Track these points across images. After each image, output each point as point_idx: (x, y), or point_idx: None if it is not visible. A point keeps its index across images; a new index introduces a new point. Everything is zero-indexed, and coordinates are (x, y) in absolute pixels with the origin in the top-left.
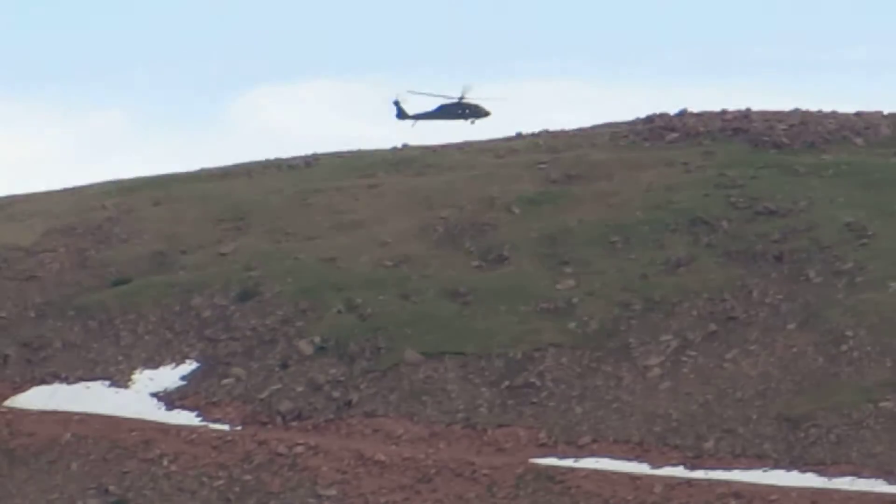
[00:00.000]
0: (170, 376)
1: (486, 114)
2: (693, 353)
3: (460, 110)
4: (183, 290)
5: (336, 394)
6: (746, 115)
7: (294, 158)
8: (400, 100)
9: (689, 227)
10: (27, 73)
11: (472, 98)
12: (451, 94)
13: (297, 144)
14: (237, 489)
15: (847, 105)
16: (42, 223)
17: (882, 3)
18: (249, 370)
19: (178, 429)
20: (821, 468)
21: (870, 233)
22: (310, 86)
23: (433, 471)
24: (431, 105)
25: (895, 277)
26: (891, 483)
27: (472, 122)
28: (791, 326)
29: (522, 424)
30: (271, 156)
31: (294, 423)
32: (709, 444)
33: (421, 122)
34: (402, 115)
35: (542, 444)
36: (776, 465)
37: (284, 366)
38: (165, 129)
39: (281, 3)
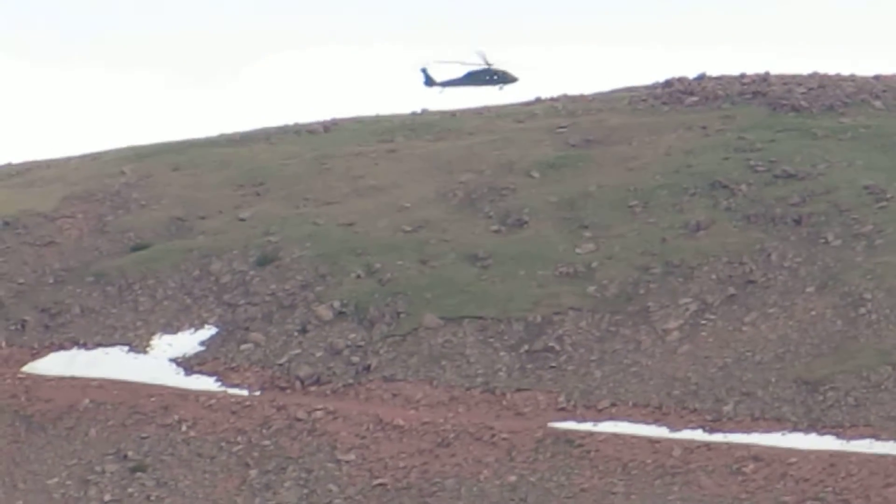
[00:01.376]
0: (188, 341)
1: (514, 80)
2: (712, 317)
3: (488, 76)
4: (201, 255)
5: (355, 358)
6: (765, 78)
7: (312, 123)
8: (427, 67)
9: (708, 191)
10: (42, 40)
11: (499, 64)
12: (477, 62)
13: (315, 109)
14: (256, 454)
15: (866, 68)
16: (60, 189)
17: None
18: (268, 335)
19: (197, 394)
20: (839, 431)
21: (889, 196)
22: (328, 51)
23: (452, 435)
24: (459, 72)
25: None
26: None
27: (501, 89)
28: (810, 290)
29: (541, 388)
30: (290, 121)
31: (313, 388)
32: (728, 408)
33: (449, 90)
34: (429, 82)
35: (561, 409)
36: (795, 428)
37: (303, 331)
38: (183, 95)
39: None
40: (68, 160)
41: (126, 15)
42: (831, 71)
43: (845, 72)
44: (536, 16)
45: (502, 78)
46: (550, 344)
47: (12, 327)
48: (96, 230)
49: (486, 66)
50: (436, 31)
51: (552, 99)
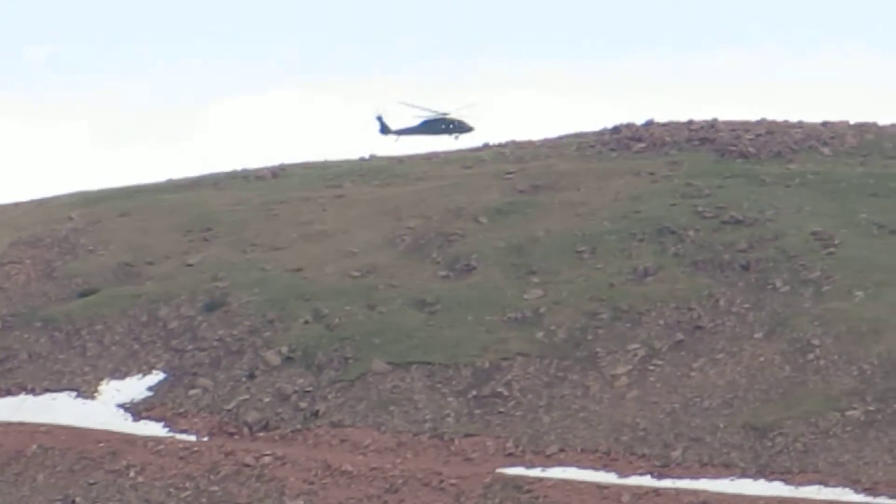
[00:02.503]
0: (136, 387)
1: (469, 129)
2: (660, 362)
3: (444, 125)
4: (149, 300)
5: (303, 404)
6: (713, 124)
7: (261, 169)
8: (382, 115)
9: (656, 237)
10: None
11: (455, 113)
12: (433, 110)
13: (264, 155)
14: (204, 500)
15: (813, 115)
16: (8, 234)
17: (849, 13)
18: (216, 381)
19: (145, 440)
20: (788, 477)
21: (836, 242)
22: (276, 96)
23: (400, 481)
24: (415, 120)
25: (861, 286)
26: (857, 492)
27: (457, 138)
28: (758, 335)
29: (490, 434)
30: (238, 167)
31: (261, 434)
32: (676, 453)
33: (404, 138)
34: (385, 130)
35: (510, 454)
36: (743, 474)
37: (251, 376)
38: (132, 141)
39: (246, 15)
40: (16, 206)
41: (77, 59)
42: (779, 117)
43: (793, 118)
44: (485, 61)
45: (458, 127)
46: (499, 389)
47: None
48: (44, 275)
49: (441, 115)
50: (385, 77)
51: (500, 145)
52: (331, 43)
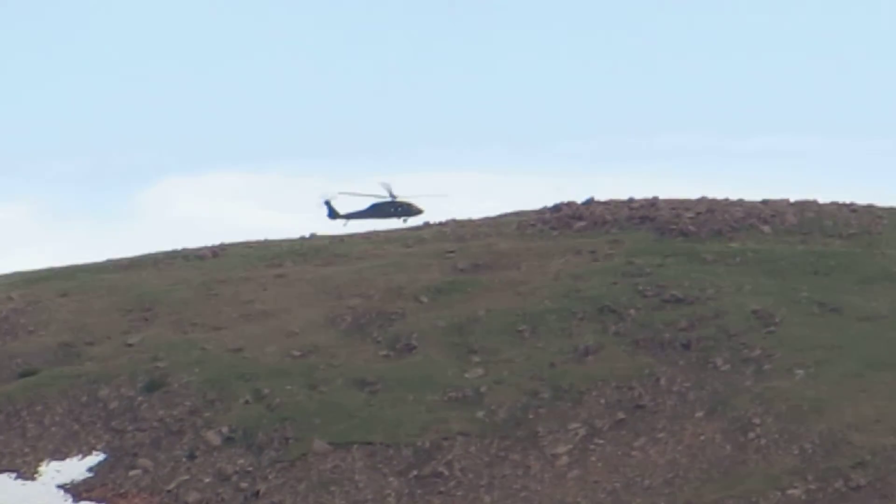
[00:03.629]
0: (77, 468)
1: (418, 211)
2: (601, 442)
3: (392, 208)
4: (90, 381)
5: (244, 484)
6: (653, 203)
7: (201, 249)
8: (330, 199)
9: (597, 316)
10: None
11: (403, 196)
12: (380, 194)
13: (204, 235)
14: None
15: (754, 193)
16: None
17: (785, 93)
18: (157, 461)
19: None
20: None
21: (777, 320)
22: (216, 177)
23: None
24: (363, 204)
25: (802, 365)
26: None
27: (405, 221)
28: (699, 414)
29: None
30: (178, 246)
31: None
32: None
33: (353, 222)
34: (333, 214)
35: None
36: None
37: (192, 456)
38: (71, 221)
39: (185, 96)
40: None
41: (14, 140)
42: (719, 196)
43: (733, 197)
44: (425, 142)
45: (406, 210)
46: (440, 469)
47: None
48: None
49: (390, 199)
50: (323, 160)
51: (441, 224)
52: (272, 126)
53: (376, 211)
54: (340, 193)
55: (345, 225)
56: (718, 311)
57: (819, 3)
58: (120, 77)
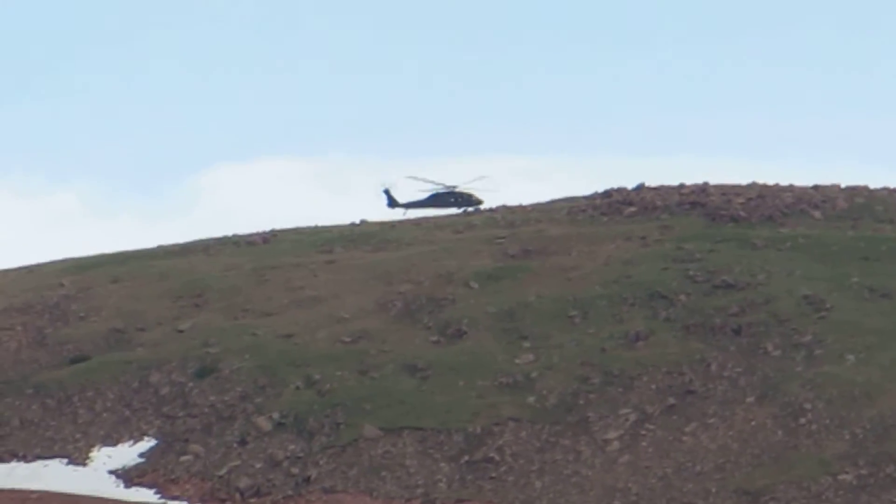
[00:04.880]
0: (128, 453)
1: (478, 202)
2: (652, 427)
3: (453, 199)
4: (141, 366)
5: (295, 470)
6: (704, 188)
7: (252, 235)
8: (390, 188)
9: (647, 301)
10: None
11: (463, 187)
12: (439, 183)
13: (255, 221)
14: None
15: (804, 178)
16: None
17: (836, 78)
18: (208, 447)
19: None
20: None
21: (828, 306)
22: (267, 163)
23: None
24: (423, 194)
25: (853, 350)
26: None
27: (465, 212)
28: (750, 400)
29: (482, 499)
30: (229, 232)
31: (253, 500)
32: None
33: (412, 211)
34: (392, 203)
35: None
36: None
37: (243, 442)
38: (123, 207)
39: (237, 82)
40: (6, 272)
41: (69, 127)
42: (770, 181)
43: (784, 182)
44: (477, 128)
45: (467, 201)
46: (490, 454)
47: None
48: (35, 342)
49: (450, 188)
50: (373, 142)
51: (491, 209)
52: (320, 113)
53: (436, 200)
54: (407, 178)
55: (404, 214)
56: (769, 296)
57: None
58: (171, 62)
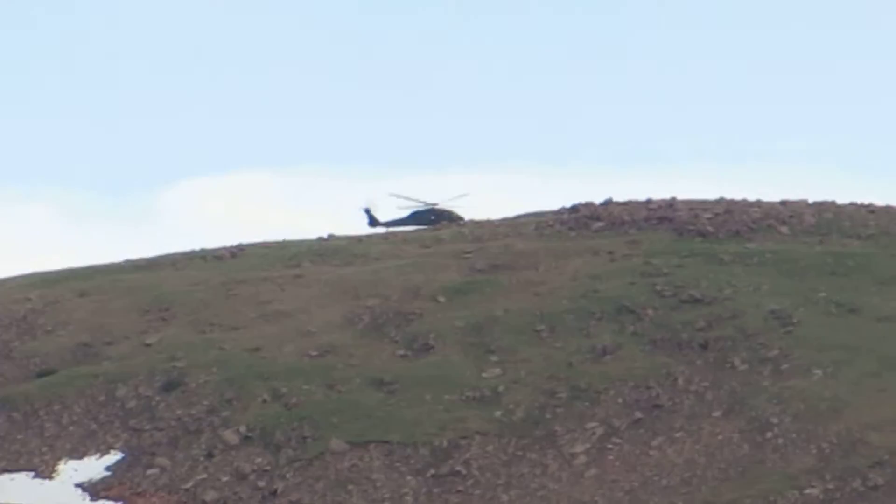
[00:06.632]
0: (95, 467)
1: (459, 218)
2: (619, 441)
3: (433, 216)
4: (108, 380)
5: (262, 483)
6: (671, 203)
7: (219, 249)
8: (370, 207)
9: (614, 316)
10: None
11: (444, 204)
12: (420, 201)
13: (222, 236)
14: None
15: (772, 194)
16: None
17: (803, 96)
18: (174, 460)
19: None
20: None
21: (794, 320)
22: (236, 177)
23: None
24: (404, 212)
25: (820, 365)
26: None
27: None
28: (716, 414)
29: None
30: (197, 247)
31: None
32: None
33: (393, 229)
34: (373, 222)
35: None
36: None
37: (210, 455)
38: (90, 222)
39: (204, 96)
40: None
41: (33, 142)
42: (737, 196)
43: (751, 197)
44: (446, 145)
45: (447, 217)
46: (457, 468)
47: None
48: (2, 356)
49: (431, 206)
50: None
51: (459, 224)
52: (288, 127)
53: (417, 218)
54: (390, 195)
55: (386, 232)
56: (736, 311)
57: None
58: (139, 76)
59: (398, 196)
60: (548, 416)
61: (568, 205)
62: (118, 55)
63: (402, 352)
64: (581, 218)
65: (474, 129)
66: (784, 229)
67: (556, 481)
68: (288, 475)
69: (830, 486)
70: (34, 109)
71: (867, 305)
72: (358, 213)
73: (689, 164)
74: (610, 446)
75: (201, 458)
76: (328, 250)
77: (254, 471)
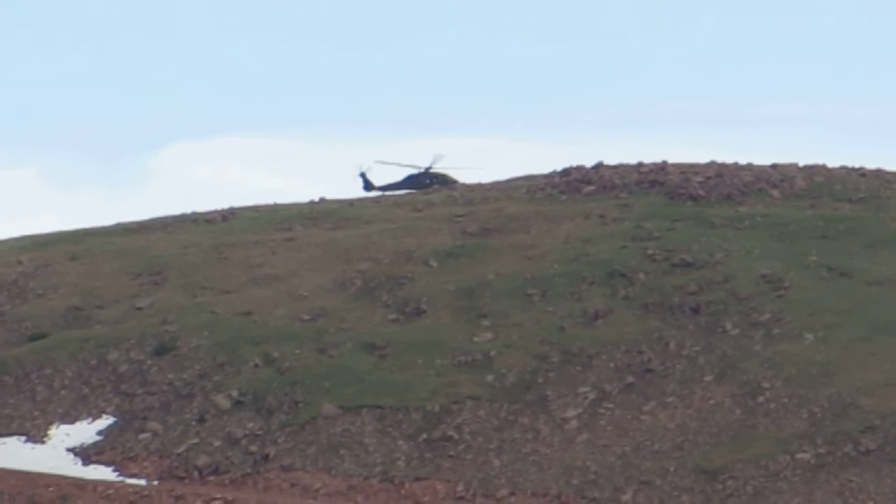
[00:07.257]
0: (86, 431)
1: (454, 182)
2: (610, 406)
3: (428, 180)
4: (99, 344)
5: (253, 448)
6: (662, 167)
7: (210, 212)
8: (365, 171)
9: (606, 280)
10: None
11: (438, 167)
12: (415, 165)
13: (213, 199)
14: None
15: (763, 157)
16: None
17: (795, 61)
18: (166, 425)
19: (95, 484)
20: None
21: (786, 284)
22: (226, 141)
23: None
24: (398, 175)
25: (811, 329)
26: None
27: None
28: (708, 378)
29: (440, 478)
30: (188, 210)
31: (211, 478)
32: (626, 497)
33: (389, 193)
34: (368, 186)
35: (460, 498)
36: None
37: (201, 420)
38: (80, 185)
39: (194, 60)
40: None
41: (23, 106)
42: (729, 160)
43: (743, 160)
44: (436, 108)
45: (442, 181)
46: (449, 433)
47: None
48: None
49: (425, 170)
50: (335, 125)
51: (450, 188)
52: (279, 91)
53: (412, 182)
54: (377, 162)
55: (381, 196)
56: (727, 275)
57: None
58: (129, 40)
59: (385, 163)
60: (539, 380)
61: (559, 168)
62: (107, 19)
63: (393, 316)
64: (572, 181)
65: (463, 93)
66: (775, 193)
67: (548, 446)
68: (280, 440)
69: (822, 451)
70: (24, 74)
71: (858, 269)
72: (353, 177)
73: (680, 128)
74: (602, 411)
75: (193, 423)
76: (320, 214)
77: (245, 435)
